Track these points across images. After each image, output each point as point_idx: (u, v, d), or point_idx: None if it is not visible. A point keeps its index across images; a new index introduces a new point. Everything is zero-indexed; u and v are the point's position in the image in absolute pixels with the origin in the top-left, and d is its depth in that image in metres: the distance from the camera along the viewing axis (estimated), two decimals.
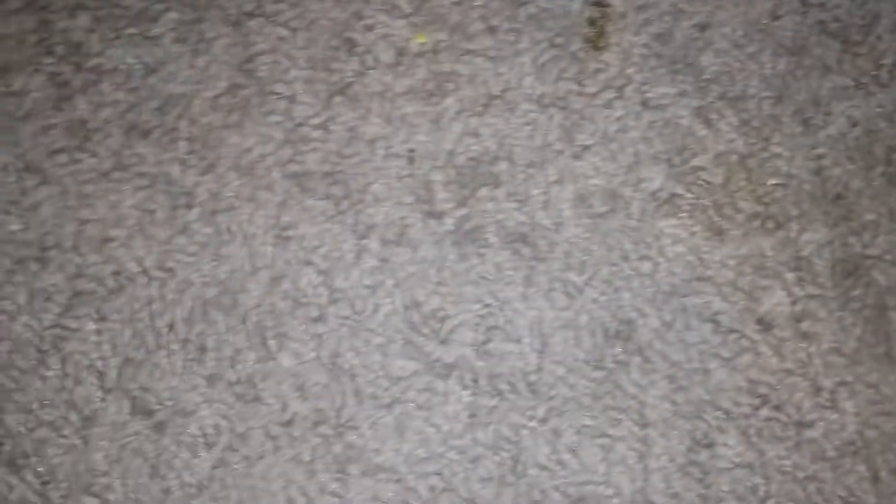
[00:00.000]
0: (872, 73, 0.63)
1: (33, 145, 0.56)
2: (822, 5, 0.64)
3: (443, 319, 0.56)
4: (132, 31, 0.58)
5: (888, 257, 0.59)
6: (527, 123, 0.59)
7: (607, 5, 0.62)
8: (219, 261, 0.55)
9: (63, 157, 0.56)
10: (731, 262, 0.57)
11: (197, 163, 0.56)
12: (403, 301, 0.56)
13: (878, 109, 0.62)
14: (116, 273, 0.55)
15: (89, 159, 0.56)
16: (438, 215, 0.57)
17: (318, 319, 0.55)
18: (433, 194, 0.57)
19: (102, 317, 0.54)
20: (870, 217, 0.59)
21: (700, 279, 0.57)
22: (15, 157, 0.56)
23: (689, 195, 0.58)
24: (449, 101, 0.59)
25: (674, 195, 0.58)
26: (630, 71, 0.61)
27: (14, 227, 0.55)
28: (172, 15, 0.59)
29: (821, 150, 0.60)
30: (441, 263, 0.56)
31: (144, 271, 0.55)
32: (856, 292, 0.57)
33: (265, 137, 0.57)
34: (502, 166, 0.58)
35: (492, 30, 0.61)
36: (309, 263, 0.56)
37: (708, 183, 0.59)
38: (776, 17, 0.63)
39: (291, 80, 0.59)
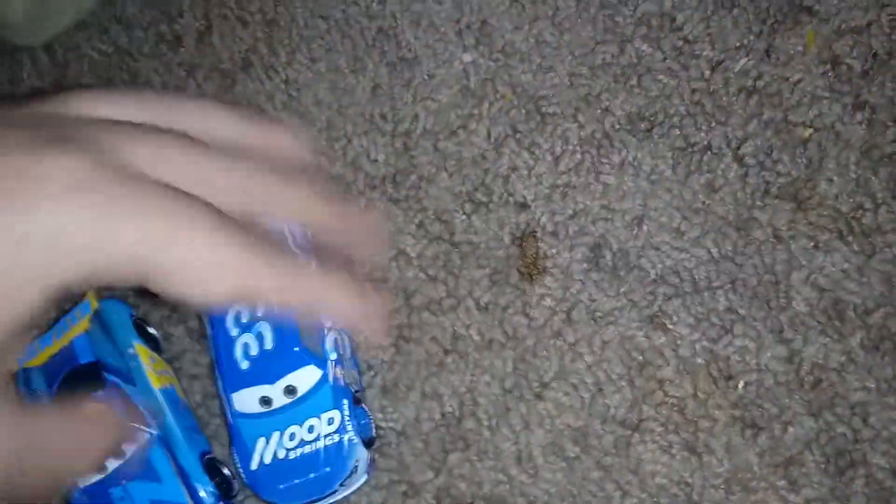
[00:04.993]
0: (830, 227, 0.49)
1: None
2: (761, 164, 0.50)
3: None
4: None
5: (885, 434, 0.46)
6: (484, 372, 0.49)
7: (532, 231, 0.50)
8: None
9: None
10: (718, 482, 0.46)
11: None
12: None
13: (845, 267, 0.48)
14: None
15: None
16: (415, 492, 0.48)
17: None
18: (405, 468, 0.48)
19: None
20: (857, 396, 0.46)
21: None
22: None
23: (659, 416, 0.47)
24: (404, 369, 0.49)
25: (643, 419, 0.47)
26: (574, 290, 0.49)
27: None
28: None
29: (788, 333, 0.47)
30: None
31: None
32: (855, 485, 0.45)
33: None
34: (469, 425, 0.48)
35: (431, 280, 0.51)
36: None
37: (676, 397, 0.47)
38: (714, 190, 0.50)
39: None
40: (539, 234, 0.50)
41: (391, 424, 0.49)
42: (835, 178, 0.50)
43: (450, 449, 0.48)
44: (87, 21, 0.58)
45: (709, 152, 0.51)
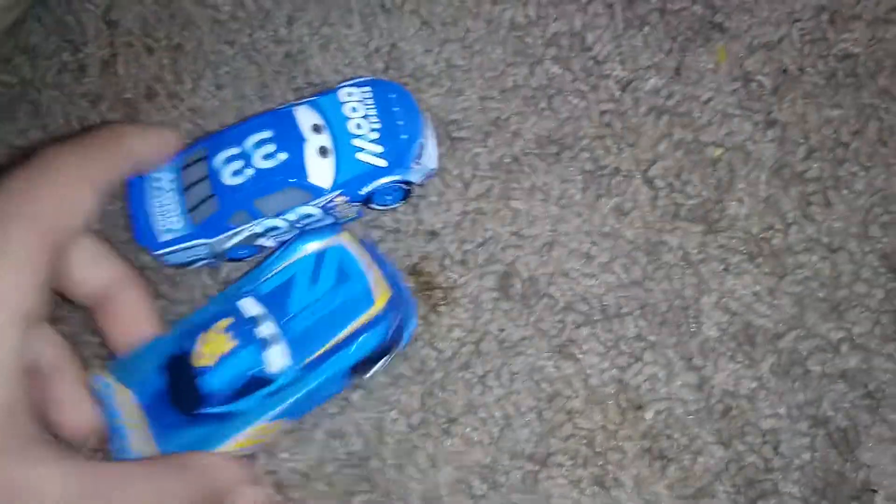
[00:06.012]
0: (740, 249, 0.48)
1: None
2: (671, 186, 0.49)
3: None
4: None
5: (796, 462, 0.44)
6: (391, 409, 0.47)
7: (421, 271, 0.48)
8: None
9: None
10: None
11: None
12: None
13: (756, 289, 0.47)
14: None
15: None
16: None
17: None
18: None
19: None
20: (768, 424, 0.45)
21: None
22: None
23: (568, 449, 0.46)
24: None
25: (551, 453, 0.46)
26: (483, 320, 0.48)
27: None
28: None
29: (698, 360, 0.46)
30: None
31: None
32: None
33: None
34: (374, 465, 0.46)
35: None
36: None
37: (585, 429, 0.46)
38: (623, 214, 0.49)
39: None
40: (438, 264, 0.49)
41: (295, 465, 0.47)
42: (745, 198, 0.49)
43: (354, 491, 0.46)
44: None
45: (618, 175, 0.50)
